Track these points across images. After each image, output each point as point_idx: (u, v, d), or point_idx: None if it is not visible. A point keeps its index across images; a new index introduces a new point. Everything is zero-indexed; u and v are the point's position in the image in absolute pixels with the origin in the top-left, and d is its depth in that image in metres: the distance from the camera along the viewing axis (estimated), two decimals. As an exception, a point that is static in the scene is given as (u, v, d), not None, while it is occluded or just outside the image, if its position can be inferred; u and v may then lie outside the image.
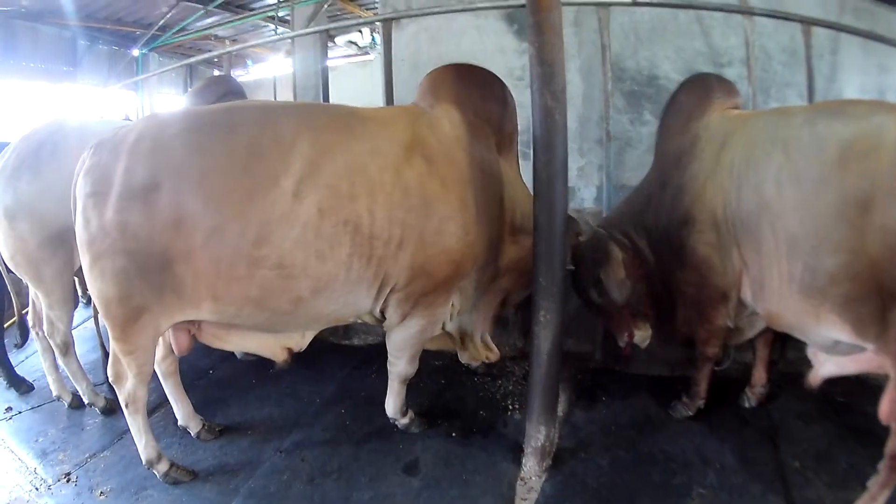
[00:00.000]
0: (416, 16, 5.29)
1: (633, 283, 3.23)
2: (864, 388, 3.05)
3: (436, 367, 3.82)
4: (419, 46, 5.41)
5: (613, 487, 2.77)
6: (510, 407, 3.44)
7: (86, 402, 3.54)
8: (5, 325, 3.94)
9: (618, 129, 4.88)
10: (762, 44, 4.69)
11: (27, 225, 3.14)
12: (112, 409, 3.43)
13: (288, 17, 7.59)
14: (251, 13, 10.09)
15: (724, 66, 4.87)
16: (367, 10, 10.38)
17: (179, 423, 3.21)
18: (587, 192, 5.32)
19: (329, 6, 8.32)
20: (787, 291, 2.55)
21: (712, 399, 3.23)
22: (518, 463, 2.93)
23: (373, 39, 11.94)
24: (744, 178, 2.69)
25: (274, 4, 9.04)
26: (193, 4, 9.49)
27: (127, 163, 2.44)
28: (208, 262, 2.46)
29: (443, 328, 3.20)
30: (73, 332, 3.51)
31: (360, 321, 3.03)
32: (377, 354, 3.35)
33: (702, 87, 3.18)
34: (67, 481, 2.95)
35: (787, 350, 3.40)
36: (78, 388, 3.54)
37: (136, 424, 2.80)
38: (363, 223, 2.59)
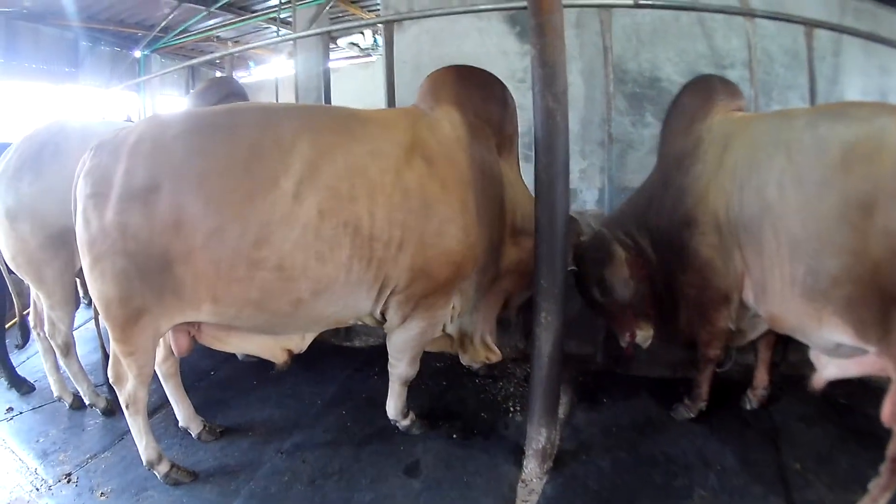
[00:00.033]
0: (418, 18, 5.27)
1: (636, 283, 3.23)
2: (865, 391, 3.05)
3: (437, 369, 3.82)
4: (421, 48, 5.39)
5: (614, 489, 2.77)
6: (511, 409, 3.44)
7: (87, 402, 3.55)
8: (6, 326, 3.95)
9: (620, 131, 4.86)
10: (764, 46, 4.68)
11: (28, 226, 3.15)
12: (113, 409, 3.43)
13: (290, 19, 7.57)
14: (253, 15, 10.08)
15: (726, 68, 4.86)
16: (368, 11, 10.37)
17: (180, 424, 3.21)
18: (589, 194, 5.30)
19: (331, 8, 8.33)
20: (789, 294, 2.55)
21: (714, 401, 3.23)
22: (519, 465, 2.92)
23: (375, 41, 11.92)
24: (746, 181, 2.69)
25: (276, 6, 9.03)
26: (196, 6, 9.49)
27: (127, 164, 2.44)
28: (208, 263, 2.46)
29: (443, 330, 3.19)
30: (74, 332, 3.51)
31: (360, 323, 3.03)
32: (378, 356, 3.34)
33: (705, 89, 3.18)
34: (68, 482, 2.95)
35: (788, 352, 3.40)
36: (79, 389, 3.55)
37: (136, 425, 2.80)
38: (363, 225, 2.59)
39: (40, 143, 3.25)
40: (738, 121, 2.97)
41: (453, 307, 3.05)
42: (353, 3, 10.00)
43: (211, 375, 3.93)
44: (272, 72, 11.96)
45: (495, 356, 3.41)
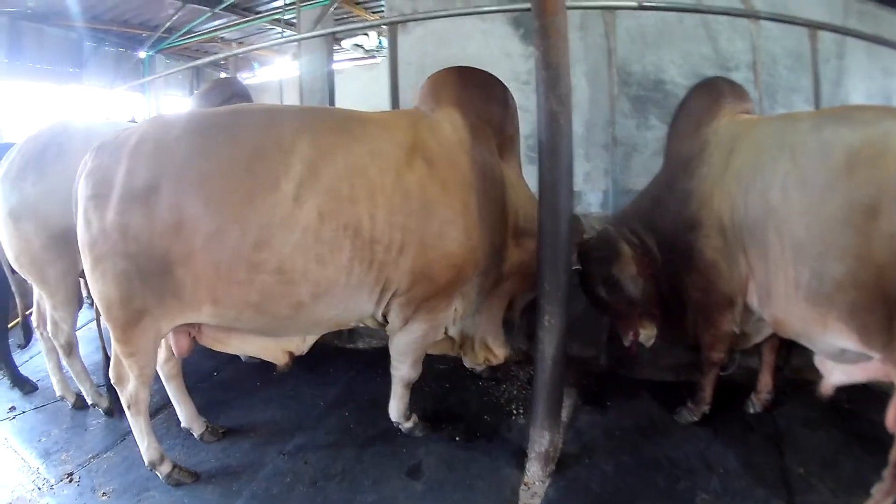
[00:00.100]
0: (423, 19, 5.28)
1: (643, 281, 3.22)
2: (870, 396, 3.02)
3: (440, 371, 3.82)
4: (425, 50, 5.39)
5: (617, 492, 2.76)
6: (514, 411, 3.43)
7: (89, 402, 3.55)
8: (9, 326, 3.96)
9: (624, 133, 4.86)
10: (768, 48, 4.67)
11: (32, 226, 3.15)
12: (112, 411, 3.43)
13: (294, 20, 7.59)
14: (258, 16, 10.09)
15: (730, 70, 4.85)
16: (373, 13, 10.37)
17: (183, 424, 3.21)
18: (593, 196, 5.29)
19: (335, 9, 8.33)
20: (793, 298, 2.54)
21: (717, 404, 3.22)
22: (521, 468, 2.92)
23: (379, 43, 11.92)
24: (751, 184, 2.68)
25: (280, 7, 9.06)
26: (200, 7, 9.51)
27: (128, 165, 2.45)
28: (208, 265, 2.46)
29: (446, 332, 3.19)
30: (77, 332, 3.52)
31: (363, 325, 3.03)
32: (381, 358, 3.34)
33: (712, 92, 3.17)
34: (70, 481, 2.95)
35: (792, 356, 3.38)
36: (81, 389, 3.56)
37: (138, 426, 2.80)
38: (363, 227, 2.58)
39: (44, 144, 3.26)
40: (743, 124, 2.96)
41: (455, 310, 3.04)
42: (357, 4, 10.00)
43: (214, 376, 3.94)
44: (276, 73, 11.97)
45: (496, 358, 3.40)
